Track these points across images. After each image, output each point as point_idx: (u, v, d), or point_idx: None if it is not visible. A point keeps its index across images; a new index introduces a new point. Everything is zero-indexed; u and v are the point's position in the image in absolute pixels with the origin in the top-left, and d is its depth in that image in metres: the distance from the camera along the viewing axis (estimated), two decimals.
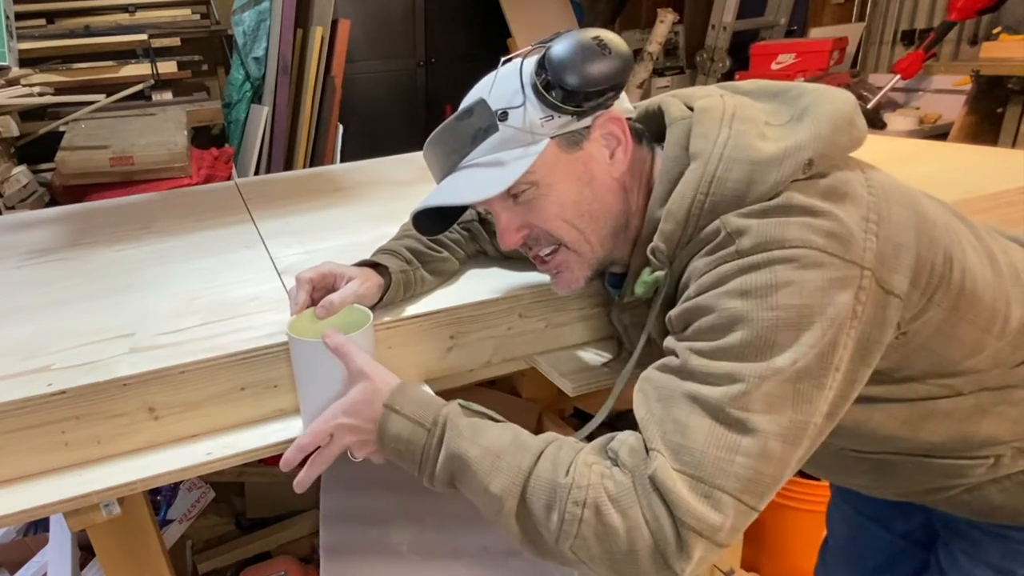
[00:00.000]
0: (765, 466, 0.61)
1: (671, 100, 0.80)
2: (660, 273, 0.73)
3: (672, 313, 0.71)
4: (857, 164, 0.74)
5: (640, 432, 0.66)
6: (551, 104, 0.72)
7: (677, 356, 0.67)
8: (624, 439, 0.67)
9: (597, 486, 0.63)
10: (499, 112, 0.73)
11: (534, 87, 0.72)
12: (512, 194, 0.76)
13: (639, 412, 0.67)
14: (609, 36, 0.72)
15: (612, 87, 0.72)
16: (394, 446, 0.73)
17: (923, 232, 0.70)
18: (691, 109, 0.77)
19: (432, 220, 0.87)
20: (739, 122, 0.71)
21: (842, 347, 0.64)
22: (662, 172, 0.75)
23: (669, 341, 0.71)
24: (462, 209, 0.91)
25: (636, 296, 0.78)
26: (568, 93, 0.71)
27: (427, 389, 0.82)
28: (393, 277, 0.90)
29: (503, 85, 0.74)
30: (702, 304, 0.66)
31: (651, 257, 0.73)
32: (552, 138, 0.73)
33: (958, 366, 0.74)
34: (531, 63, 0.73)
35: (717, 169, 0.69)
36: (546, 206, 0.75)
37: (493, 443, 0.69)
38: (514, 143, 0.73)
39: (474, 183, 0.74)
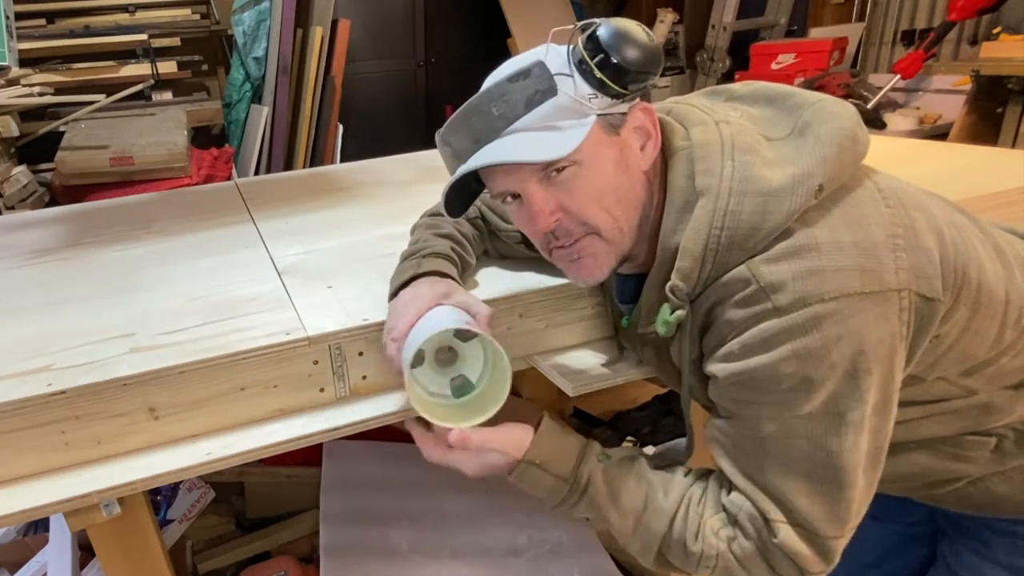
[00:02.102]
0: (861, 496, 0.70)
1: (667, 121, 0.78)
2: (682, 312, 0.72)
3: (719, 372, 0.71)
4: (863, 172, 0.73)
5: (741, 491, 0.73)
6: (597, 82, 0.70)
7: (745, 421, 0.71)
8: (740, 504, 0.73)
9: (726, 553, 0.73)
10: (555, 77, 0.70)
11: (581, 63, 0.70)
12: (554, 169, 0.72)
13: (735, 478, 0.74)
14: (647, 28, 0.72)
15: (652, 73, 0.71)
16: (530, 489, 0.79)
17: (941, 234, 0.71)
18: (685, 128, 0.76)
19: (450, 200, 0.82)
20: (740, 152, 0.70)
21: (898, 371, 0.68)
22: (669, 201, 0.74)
23: (721, 398, 0.73)
24: (478, 191, 0.85)
25: (655, 332, 0.77)
26: (617, 72, 0.69)
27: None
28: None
29: (555, 56, 0.71)
30: (757, 372, 0.68)
31: (671, 295, 0.72)
32: (598, 116, 0.71)
33: (980, 360, 0.75)
34: (578, 40, 0.71)
35: (729, 203, 0.68)
36: (585, 188, 0.73)
37: (630, 506, 0.77)
38: (567, 113, 0.71)
39: (533, 145, 0.71)
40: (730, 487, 0.75)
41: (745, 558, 0.72)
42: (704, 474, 0.80)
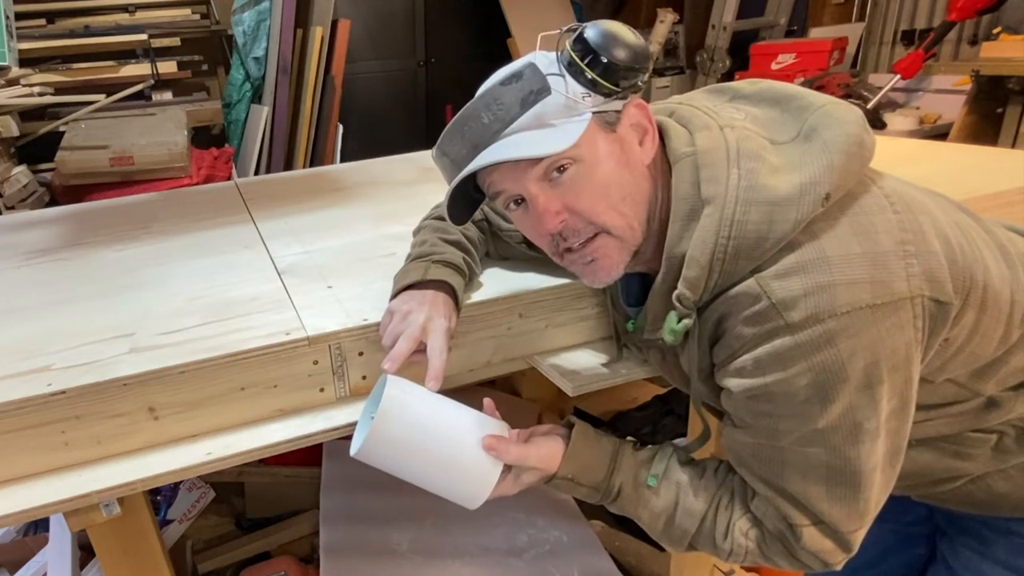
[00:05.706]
0: (879, 492, 0.73)
1: (670, 124, 0.77)
2: (688, 321, 0.72)
3: (733, 387, 0.71)
4: (867, 177, 0.72)
5: (764, 498, 0.76)
6: (589, 81, 0.70)
7: (762, 432, 0.73)
8: (764, 510, 0.76)
9: (754, 551, 0.78)
10: (547, 77, 0.70)
11: (571, 64, 0.70)
12: (555, 169, 0.71)
13: (755, 486, 0.77)
14: (632, 28, 0.73)
15: (644, 70, 0.71)
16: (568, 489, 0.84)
17: (946, 237, 0.70)
18: (689, 132, 0.76)
19: (454, 211, 0.82)
20: (746, 160, 0.70)
21: (915, 375, 0.69)
22: (675, 209, 0.73)
23: (737, 410, 0.74)
24: (479, 200, 0.84)
25: (662, 340, 0.77)
26: (607, 69, 0.69)
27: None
28: (459, 300, 0.89)
29: (544, 57, 0.72)
30: (772, 388, 0.68)
31: (677, 304, 0.72)
32: (594, 114, 0.71)
33: (987, 361, 0.75)
34: (566, 42, 0.71)
35: (735, 212, 0.68)
36: (590, 186, 0.72)
37: (661, 508, 0.81)
38: (562, 111, 0.70)
39: (532, 142, 0.70)
40: (753, 493, 0.78)
41: (772, 555, 0.77)
42: (732, 471, 0.82)
